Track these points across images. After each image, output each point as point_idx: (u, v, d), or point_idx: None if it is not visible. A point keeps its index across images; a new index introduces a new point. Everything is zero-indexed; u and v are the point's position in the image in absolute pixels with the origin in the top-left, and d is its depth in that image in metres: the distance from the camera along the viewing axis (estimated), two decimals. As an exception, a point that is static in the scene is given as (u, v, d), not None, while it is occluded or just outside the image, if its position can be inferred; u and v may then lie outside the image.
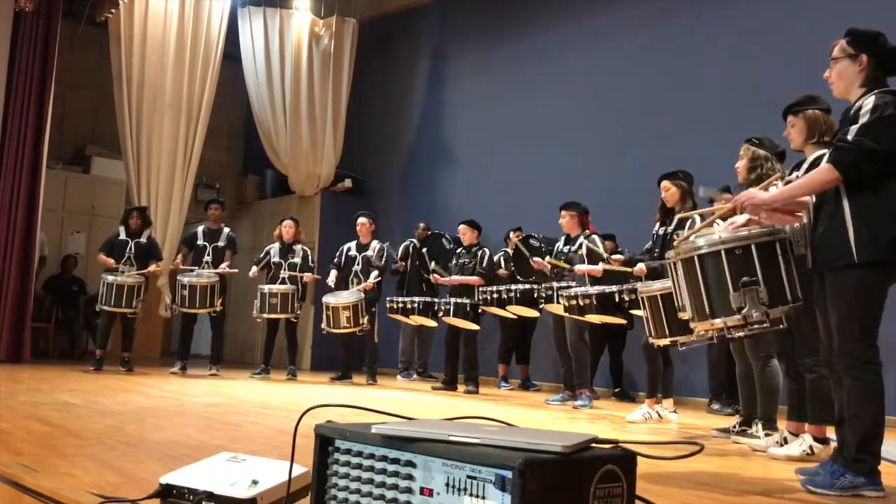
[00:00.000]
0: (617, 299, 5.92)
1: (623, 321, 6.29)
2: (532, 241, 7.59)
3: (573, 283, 6.39)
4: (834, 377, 2.97)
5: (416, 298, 7.82)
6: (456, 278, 7.72)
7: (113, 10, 9.70)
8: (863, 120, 2.83)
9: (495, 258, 8.38)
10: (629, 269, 5.81)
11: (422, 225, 9.65)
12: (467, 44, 10.86)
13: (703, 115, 7.78)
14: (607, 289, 6.02)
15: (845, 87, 3.03)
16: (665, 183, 5.33)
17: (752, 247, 3.44)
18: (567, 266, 6.51)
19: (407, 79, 11.61)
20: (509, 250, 8.24)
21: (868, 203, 2.83)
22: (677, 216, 5.21)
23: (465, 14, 11.00)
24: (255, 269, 8.52)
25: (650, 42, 8.52)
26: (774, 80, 7.10)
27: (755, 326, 3.49)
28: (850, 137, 2.82)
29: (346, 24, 11.53)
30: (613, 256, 6.14)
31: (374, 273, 8.24)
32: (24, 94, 8.88)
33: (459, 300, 7.50)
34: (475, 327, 7.52)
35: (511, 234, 8.42)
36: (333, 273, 8.37)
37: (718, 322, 3.51)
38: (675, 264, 3.73)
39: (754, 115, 6.30)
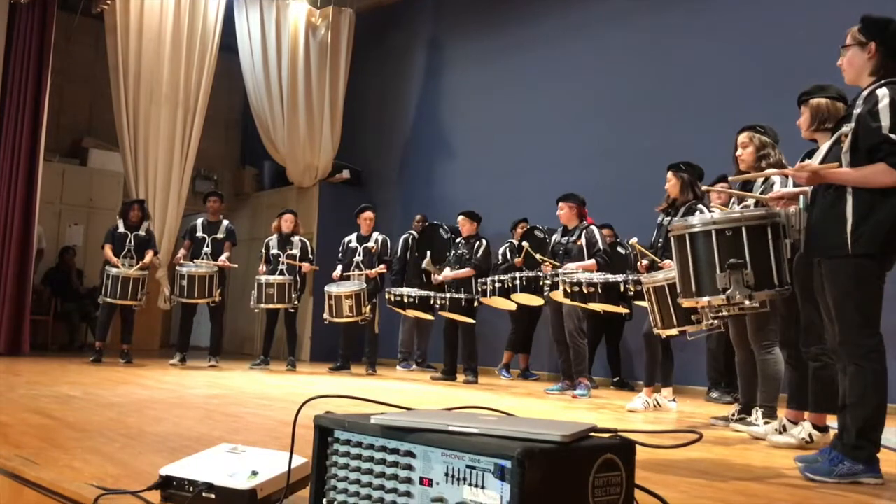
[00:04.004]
0: (622, 289, 5.91)
1: (626, 310, 6.29)
2: (536, 232, 7.58)
3: (579, 272, 6.38)
4: (840, 365, 2.98)
5: (413, 293, 7.82)
6: (449, 274, 7.71)
7: (108, 2, 9.63)
8: (892, 118, 2.78)
9: (500, 250, 8.40)
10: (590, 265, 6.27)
11: (418, 217, 9.65)
12: (464, 33, 10.83)
13: (703, 105, 7.75)
14: (611, 277, 6.02)
15: (855, 74, 3.01)
16: (668, 174, 5.32)
17: (743, 229, 3.47)
18: (557, 265, 6.56)
19: (404, 69, 11.58)
20: (515, 241, 8.25)
21: (871, 197, 2.82)
22: (682, 207, 5.20)
23: (462, 3, 10.96)
24: (263, 268, 8.58)
25: (650, 31, 8.49)
26: (773, 70, 7.09)
27: (744, 306, 3.52)
28: (894, 137, 2.77)
29: (342, 14, 11.50)
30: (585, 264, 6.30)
31: (381, 266, 8.29)
32: (20, 87, 8.84)
33: (455, 294, 7.50)
34: (471, 321, 7.52)
35: (517, 227, 8.42)
36: (339, 268, 8.42)
37: (704, 300, 3.58)
38: (670, 240, 3.79)
39: (753, 106, 6.30)
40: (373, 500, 1.65)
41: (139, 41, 9.87)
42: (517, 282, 6.97)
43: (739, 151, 4.27)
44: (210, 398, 5.03)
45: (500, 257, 8.39)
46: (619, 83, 8.69)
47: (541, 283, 6.72)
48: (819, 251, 3.00)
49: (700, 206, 5.13)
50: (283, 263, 8.45)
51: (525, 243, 7.21)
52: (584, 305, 6.20)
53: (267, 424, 3.84)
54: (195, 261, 8.33)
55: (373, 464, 1.66)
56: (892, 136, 2.78)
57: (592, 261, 6.42)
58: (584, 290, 6.02)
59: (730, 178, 4.34)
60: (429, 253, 8.45)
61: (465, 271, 7.61)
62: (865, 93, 2.92)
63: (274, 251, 8.58)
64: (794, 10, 7.20)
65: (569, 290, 6.15)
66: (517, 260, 7.66)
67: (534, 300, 7.09)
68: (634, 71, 8.55)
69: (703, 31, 8.04)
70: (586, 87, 9.01)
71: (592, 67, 8.99)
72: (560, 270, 6.39)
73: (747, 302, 3.46)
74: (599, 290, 5.98)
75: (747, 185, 4.27)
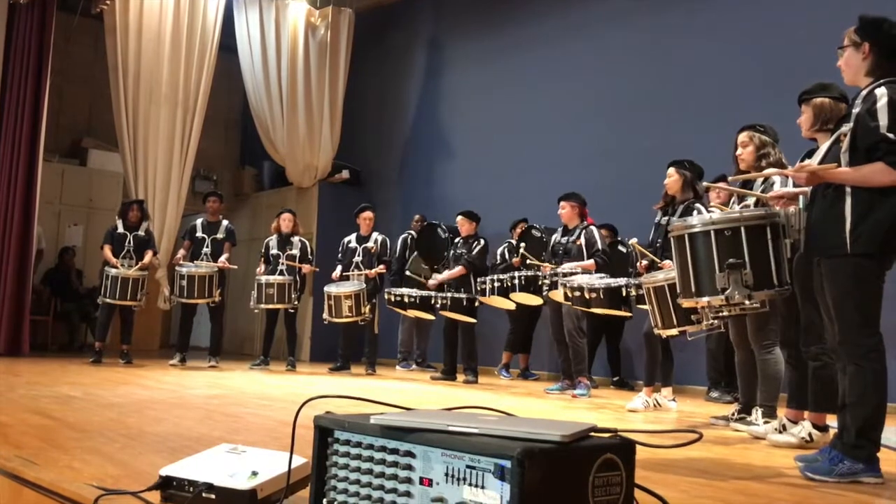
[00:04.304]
0: (624, 293, 5.90)
1: (629, 314, 6.28)
2: (534, 232, 7.58)
3: (578, 271, 6.38)
4: (840, 364, 2.98)
5: (414, 292, 7.82)
6: (442, 276, 7.73)
7: (108, 2, 9.63)
8: (890, 117, 2.78)
9: (499, 250, 8.40)
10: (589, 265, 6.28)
11: (417, 217, 9.64)
12: (464, 33, 10.83)
13: (703, 105, 7.75)
14: (614, 282, 6.00)
15: (853, 75, 3.01)
16: (669, 170, 5.29)
17: (742, 229, 3.47)
18: (539, 264, 6.59)
19: (403, 69, 11.58)
20: (513, 241, 8.25)
21: (870, 196, 2.82)
22: (680, 206, 5.19)
23: (462, 3, 10.96)
24: (262, 268, 8.59)
25: (650, 31, 8.48)
26: (773, 70, 7.09)
27: (744, 306, 3.52)
28: (892, 136, 2.76)
29: (341, 14, 11.49)
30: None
31: (381, 266, 8.29)
32: (19, 87, 8.84)
33: (456, 294, 7.50)
34: (472, 320, 7.52)
35: (517, 227, 8.42)
36: (339, 269, 8.42)
37: (703, 300, 3.58)
38: (671, 241, 3.79)
39: (753, 106, 6.30)
40: (373, 500, 1.64)
41: (138, 41, 9.86)
42: (516, 281, 6.97)
43: (739, 151, 4.26)
44: (210, 398, 5.03)
45: (498, 257, 8.40)
46: (619, 83, 8.68)
47: (539, 282, 6.73)
48: (818, 251, 3.00)
49: (698, 205, 5.12)
50: (282, 264, 8.46)
51: (522, 244, 7.22)
52: (586, 310, 6.19)
53: (267, 425, 3.84)
54: (195, 261, 8.33)
55: (373, 464, 1.66)
56: (890, 135, 2.78)
57: (591, 261, 6.42)
58: (587, 295, 5.99)
59: (730, 179, 4.34)
60: (416, 254, 8.41)
61: (457, 270, 7.62)
62: (864, 92, 2.92)
63: (274, 251, 8.58)
64: (794, 10, 7.20)
65: (570, 295, 6.13)
66: (515, 260, 7.67)
67: (532, 300, 7.09)
68: (634, 71, 8.54)
69: (703, 31, 8.03)
70: (586, 87, 9.00)
71: (592, 67, 8.99)
72: (559, 269, 6.39)
73: (746, 302, 3.46)
74: (602, 295, 5.95)
75: (747, 185, 4.27)
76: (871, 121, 2.82)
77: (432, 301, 7.61)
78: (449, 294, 7.52)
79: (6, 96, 8.79)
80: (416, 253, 8.79)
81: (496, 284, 7.12)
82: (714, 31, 7.92)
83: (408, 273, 8.89)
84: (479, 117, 10.27)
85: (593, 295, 5.97)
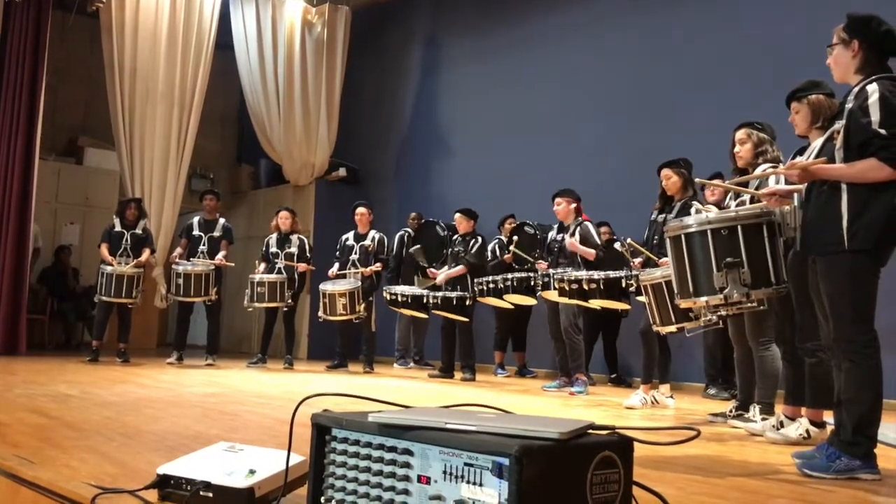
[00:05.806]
0: (623, 285, 5.89)
1: (627, 307, 6.28)
2: (527, 228, 7.58)
3: (569, 270, 6.38)
4: (835, 361, 2.98)
5: (407, 291, 7.81)
6: (442, 276, 7.72)
7: (104, 0, 9.63)
8: (882, 113, 2.79)
9: (489, 247, 8.40)
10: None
11: (413, 214, 9.63)
12: (461, 31, 10.82)
13: (703, 105, 7.74)
14: (612, 273, 6.00)
15: (842, 72, 3.03)
16: (666, 171, 5.27)
17: (739, 228, 3.47)
18: (530, 260, 6.58)
19: (401, 66, 11.56)
20: (503, 238, 8.25)
21: (866, 192, 2.83)
22: (678, 203, 5.19)
23: (459, 0, 10.94)
24: (262, 266, 8.59)
25: (647, 29, 8.47)
26: (771, 67, 7.08)
27: (744, 305, 3.52)
28: (884, 132, 2.77)
29: (338, 11, 11.48)
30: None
31: (377, 264, 8.29)
32: (15, 85, 8.83)
33: (448, 293, 7.49)
34: (464, 319, 7.51)
35: (506, 223, 8.42)
36: (336, 266, 8.42)
37: (701, 300, 3.56)
38: (666, 241, 3.78)
39: (753, 106, 6.29)
40: (371, 498, 1.65)
41: (135, 39, 9.85)
42: (509, 283, 6.97)
43: (737, 148, 4.26)
44: (207, 397, 5.02)
45: (489, 254, 8.38)
46: (617, 82, 8.67)
47: (532, 282, 6.73)
48: (815, 249, 3.00)
49: (696, 203, 5.12)
50: (280, 262, 8.46)
51: (515, 237, 7.22)
52: (584, 303, 6.18)
53: (264, 423, 3.84)
54: (192, 259, 8.33)
55: (370, 462, 1.66)
56: (882, 130, 2.78)
57: (592, 250, 6.39)
58: (585, 287, 5.98)
59: (728, 182, 4.34)
60: (418, 247, 8.40)
61: (458, 269, 7.62)
62: (856, 89, 2.93)
63: (273, 250, 8.58)
64: (795, 10, 7.20)
65: (567, 288, 6.11)
66: (506, 256, 7.68)
67: (526, 300, 7.10)
68: (633, 70, 8.53)
69: (702, 30, 8.02)
70: (584, 85, 8.99)
71: (591, 66, 8.98)
72: (558, 270, 6.38)
73: (745, 300, 3.46)
74: (601, 286, 5.95)
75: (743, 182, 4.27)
76: (863, 117, 2.83)
77: (424, 300, 7.61)
78: (440, 293, 7.53)
79: (2, 95, 8.78)
80: (416, 247, 8.76)
81: (490, 286, 7.11)
82: (714, 31, 7.90)
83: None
84: (477, 115, 10.26)
85: (592, 286, 5.95)
